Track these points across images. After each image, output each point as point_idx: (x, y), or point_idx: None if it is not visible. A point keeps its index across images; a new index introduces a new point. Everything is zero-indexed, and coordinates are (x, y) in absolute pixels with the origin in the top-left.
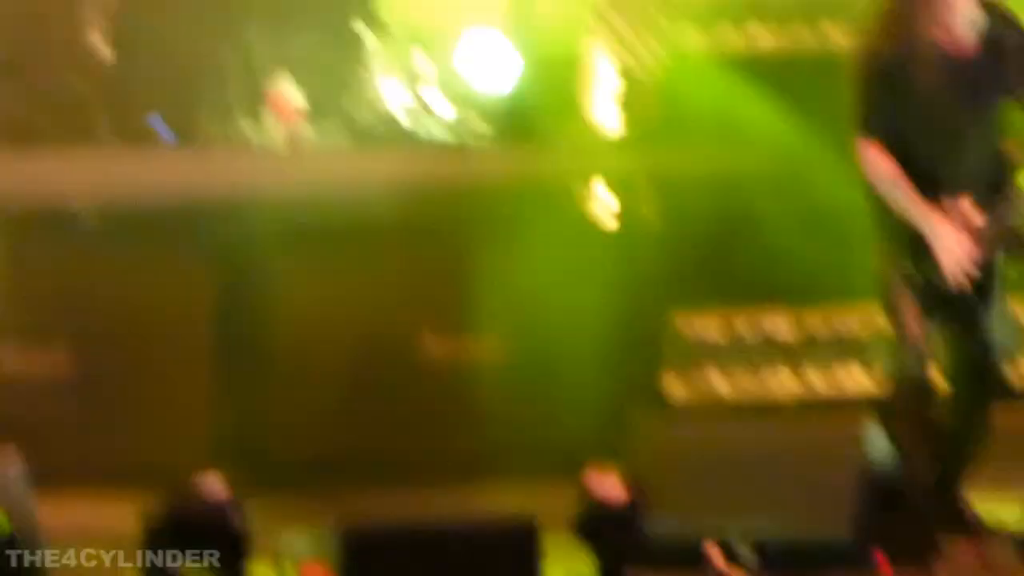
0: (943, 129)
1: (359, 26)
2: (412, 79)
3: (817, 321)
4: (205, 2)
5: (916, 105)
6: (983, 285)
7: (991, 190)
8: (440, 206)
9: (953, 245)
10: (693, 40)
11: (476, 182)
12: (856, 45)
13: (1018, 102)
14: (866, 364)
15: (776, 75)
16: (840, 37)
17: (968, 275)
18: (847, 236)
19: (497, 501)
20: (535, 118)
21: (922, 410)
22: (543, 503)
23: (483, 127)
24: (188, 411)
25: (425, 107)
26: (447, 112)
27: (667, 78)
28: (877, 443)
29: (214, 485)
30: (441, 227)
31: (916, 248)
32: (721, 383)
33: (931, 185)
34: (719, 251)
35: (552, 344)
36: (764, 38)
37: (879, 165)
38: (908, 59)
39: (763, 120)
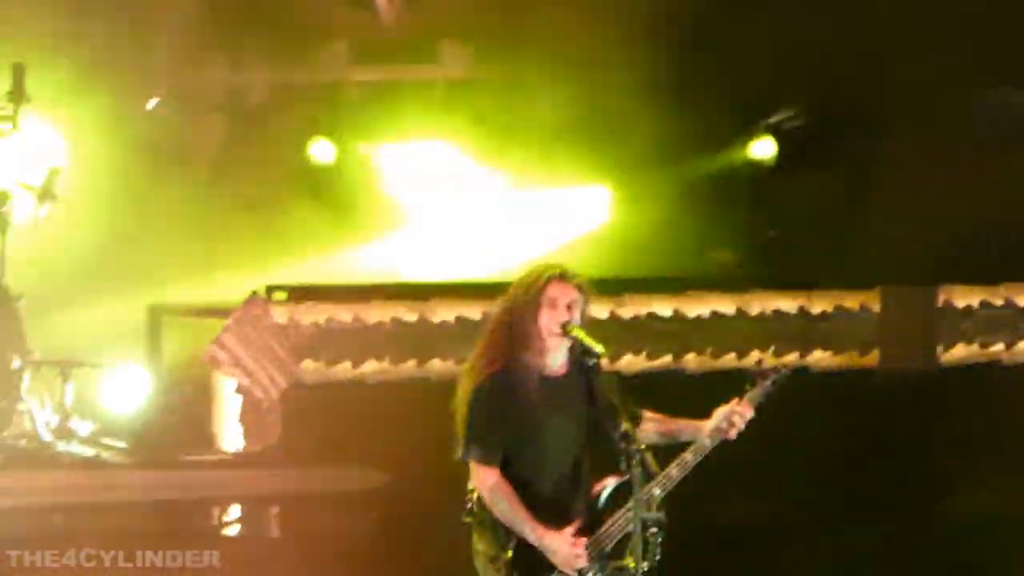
0: (544, 439)
1: (13, 358)
2: (58, 404)
3: None
4: None
5: (520, 420)
6: None
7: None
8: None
9: (567, 556)
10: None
11: (113, 498)
12: (460, 375)
13: (602, 421)
14: None
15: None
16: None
17: None
18: None
19: None
20: (166, 438)
21: None
22: None
23: (121, 446)
24: None
25: (68, 429)
26: (88, 432)
27: (288, 400)
28: None
29: None
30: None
31: (527, 565)
32: None
33: (539, 499)
34: None
35: None
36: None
37: (498, 490)
38: (511, 382)
39: (381, 441)
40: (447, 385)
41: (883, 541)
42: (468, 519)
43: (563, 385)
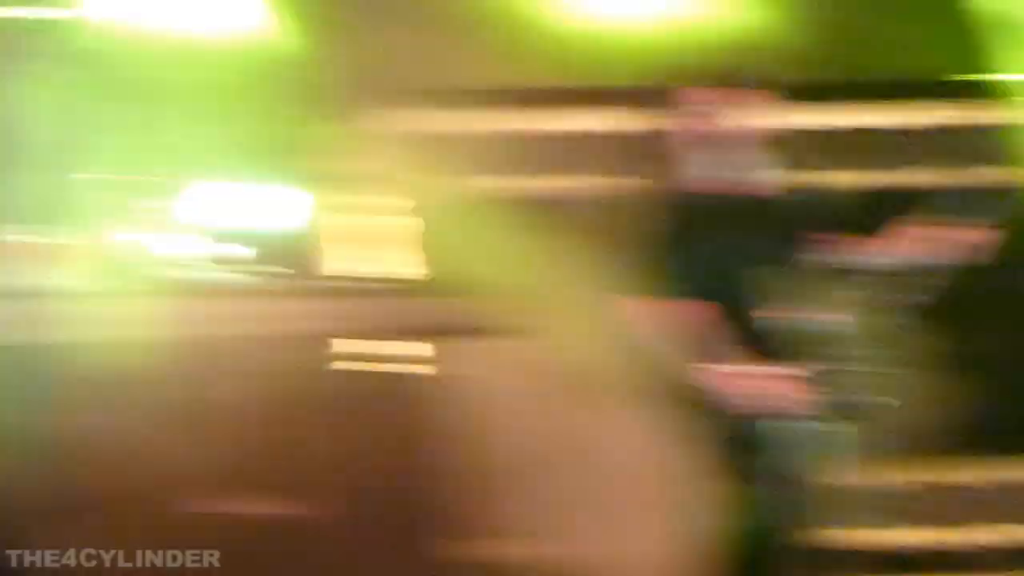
0: (727, 272)
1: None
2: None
3: None
4: None
5: (687, 246)
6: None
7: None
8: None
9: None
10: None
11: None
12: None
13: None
14: None
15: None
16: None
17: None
18: None
19: None
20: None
21: None
22: None
23: (286, 272)
24: None
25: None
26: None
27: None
28: None
29: None
30: None
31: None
32: None
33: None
34: None
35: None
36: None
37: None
38: (670, 204)
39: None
40: None
41: None
42: None
43: (737, 205)
